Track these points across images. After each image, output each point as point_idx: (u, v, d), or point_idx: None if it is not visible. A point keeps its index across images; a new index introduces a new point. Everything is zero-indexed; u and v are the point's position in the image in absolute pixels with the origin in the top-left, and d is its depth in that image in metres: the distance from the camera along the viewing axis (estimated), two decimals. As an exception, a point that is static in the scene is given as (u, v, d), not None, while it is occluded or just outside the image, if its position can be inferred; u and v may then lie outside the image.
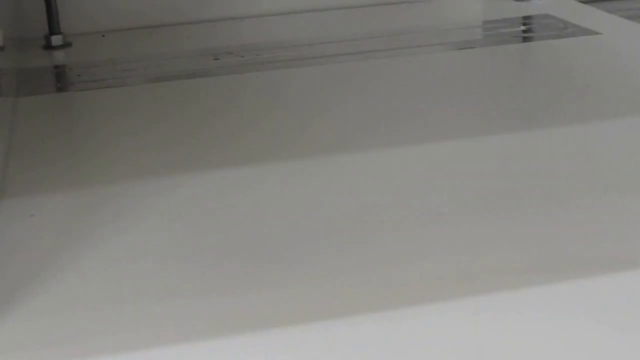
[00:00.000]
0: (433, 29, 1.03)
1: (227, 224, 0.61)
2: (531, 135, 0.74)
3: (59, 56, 1.00)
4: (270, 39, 1.01)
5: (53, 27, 1.02)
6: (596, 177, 0.66)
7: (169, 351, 0.49)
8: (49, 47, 1.01)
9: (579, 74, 0.87)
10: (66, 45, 1.02)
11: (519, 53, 0.96)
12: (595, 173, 0.66)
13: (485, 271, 0.54)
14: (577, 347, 0.53)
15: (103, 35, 1.04)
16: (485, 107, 0.80)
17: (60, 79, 0.94)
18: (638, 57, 0.90)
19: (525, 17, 1.07)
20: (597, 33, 0.97)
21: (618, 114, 0.76)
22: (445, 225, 0.59)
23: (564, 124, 0.75)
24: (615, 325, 0.53)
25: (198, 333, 0.50)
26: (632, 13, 1.18)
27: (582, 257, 0.55)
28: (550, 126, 0.75)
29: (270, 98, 0.84)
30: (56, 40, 1.02)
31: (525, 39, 1.00)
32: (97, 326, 0.51)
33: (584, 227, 0.59)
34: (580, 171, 0.67)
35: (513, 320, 0.52)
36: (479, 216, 0.60)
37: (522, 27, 1.03)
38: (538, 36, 1.00)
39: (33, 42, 1.02)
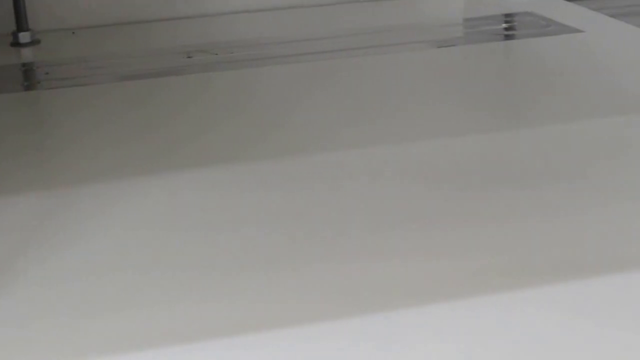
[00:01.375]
0: (414, 26, 1.01)
1: (191, 227, 0.58)
2: (511, 134, 0.72)
3: (27, 54, 0.97)
4: (245, 36, 0.99)
5: (21, 23, 0.99)
6: (576, 176, 0.64)
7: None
8: (16, 44, 0.99)
9: (559, 72, 0.85)
10: (34, 42, 0.99)
11: (500, 51, 0.93)
12: (575, 172, 0.64)
13: (461, 273, 0.52)
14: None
15: (73, 33, 1.02)
16: (465, 105, 0.78)
17: (28, 77, 0.91)
18: (620, 55, 0.89)
19: (507, 15, 1.04)
20: (579, 31, 0.95)
21: (597, 113, 0.74)
22: (423, 226, 0.57)
23: (543, 122, 0.73)
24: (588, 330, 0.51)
25: (151, 341, 0.47)
26: (617, 11, 1.16)
27: (562, 260, 0.53)
28: (531, 125, 0.73)
29: (243, 96, 0.82)
30: (24, 37, 0.99)
31: (507, 37, 0.98)
32: (48, 335, 0.48)
33: (565, 228, 0.57)
34: (561, 170, 0.65)
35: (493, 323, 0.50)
36: (457, 216, 0.58)
37: (504, 25, 1.01)
38: (520, 34, 0.98)
39: (0, 39, 1.00)
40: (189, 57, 0.92)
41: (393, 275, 0.52)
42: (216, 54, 0.92)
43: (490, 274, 0.52)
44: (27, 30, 0.99)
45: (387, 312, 0.49)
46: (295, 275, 0.53)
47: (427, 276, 0.52)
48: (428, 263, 0.53)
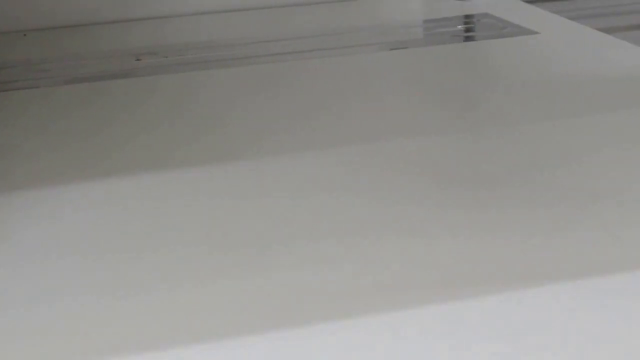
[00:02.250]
0: (370, 28, 1.00)
1: (120, 235, 0.57)
2: (457, 137, 0.71)
3: (-26, 56, 0.96)
4: (198, 38, 0.97)
5: (-31, 25, 0.98)
6: (527, 180, 0.63)
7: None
8: (-35, 46, 0.97)
9: (510, 74, 0.84)
10: (-17, 44, 0.98)
11: (453, 53, 0.92)
12: (527, 176, 0.64)
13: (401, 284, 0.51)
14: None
15: (24, 35, 1.00)
16: (410, 109, 0.77)
17: (-27, 81, 0.90)
18: (573, 56, 0.88)
19: (465, 17, 1.04)
20: (535, 33, 0.94)
21: (547, 116, 0.74)
22: (361, 235, 0.56)
23: (490, 125, 0.72)
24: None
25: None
26: (577, 14, 1.16)
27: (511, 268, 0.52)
28: (478, 128, 0.72)
29: (188, 100, 0.80)
30: (-27, 39, 0.97)
31: (462, 39, 0.97)
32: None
33: (518, 234, 0.56)
34: (511, 175, 0.64)
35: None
36: (402, 226, 0.57)
37: (460, 27, 1.00)
38: (475, 36, 0.98)
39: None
40: (138, 59, 0.91)
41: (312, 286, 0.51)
42: (166, 57, 0.91)
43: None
44: (-24, 32, 0.98)
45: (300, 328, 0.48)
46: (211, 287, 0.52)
47: (339, 289, 0.51)
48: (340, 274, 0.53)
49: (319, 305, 0.50)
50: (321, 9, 1.07)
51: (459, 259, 0.54)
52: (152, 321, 0.49)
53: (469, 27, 1.01)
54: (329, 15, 1.05)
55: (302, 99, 0.79)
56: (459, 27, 1.00)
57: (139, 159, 0.68)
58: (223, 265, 0.54)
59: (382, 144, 0.69)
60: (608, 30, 0.97)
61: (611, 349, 0.49)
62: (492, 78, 0.84)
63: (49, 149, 0.71)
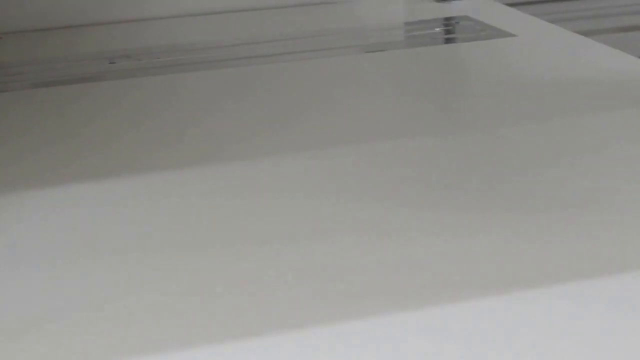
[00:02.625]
0: (349, 31, 0.99)
1: (89, 238, 0.57)
2: (433, 140, 0.70)
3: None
4: (172, 41, 0.97)
5: (-55, 28, 0.97)
6: (504, 183, 0.62)
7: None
8: (-60, 49, 0.97)
9: (486, 76, 0.83)
10: (-42, 47, 0.97)
11: (430, 56, 0.92)
12: (504, 179, 0.63)
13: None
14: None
15: (0, 38, 0.99)
16: (386, 111, 0.76)
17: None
18: (548, 58, 0.87)
19: (444, 19, 1.03)
20: (512, 35, 0.93)
21: (522, 118, 0.73)
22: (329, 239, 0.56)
23: (465, 128, 0.72)
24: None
25: None
26: (557, 16, 1.15)
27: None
28: (455, 131, 0.71)
29: (160, 103, 0.80)
30: (-52, 42, 0.97)
31: (442, 41, 0.96)
32: None
33: (492, 242, 0.55)
34: (489, 178, 0.63)
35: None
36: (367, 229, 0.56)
37: (437, 30, 0.99)
38: (453, 38, 0.97)
39: None
40: (111, 62, 0.90)
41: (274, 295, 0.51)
42: (140, 60, 0.90)
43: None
44: (-49, 35, 0.97)
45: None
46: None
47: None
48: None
49: (288, 313, 0.49)
50: (300, 11, 1.06)
51: (425, 263, 0.53)
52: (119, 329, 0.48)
53: (449, 30, 1.00)
54: (308, 18, 1.04)
55: (272, 103, 0.78)
56: (437, 29, 0.99)
57: (107, 164, 0.68)
58: (172, 266, 0.53)
59: (352, 147, 0.68)
60: (587, 33, 0.96)
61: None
62: (468, 81, 0.83)
63: (18, 153, 0.70)
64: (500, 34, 0.94)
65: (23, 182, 0.65)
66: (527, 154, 0.67)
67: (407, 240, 0.56)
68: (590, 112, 0.75)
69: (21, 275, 0.53)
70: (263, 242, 0.56)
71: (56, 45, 0.97)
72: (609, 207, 0.59)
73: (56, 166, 0.68)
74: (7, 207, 0.62)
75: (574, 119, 0.74)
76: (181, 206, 0.61)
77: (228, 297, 0.50)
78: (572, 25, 1.05)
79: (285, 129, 0.73)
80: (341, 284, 0.51)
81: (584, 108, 0.76)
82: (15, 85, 0.85)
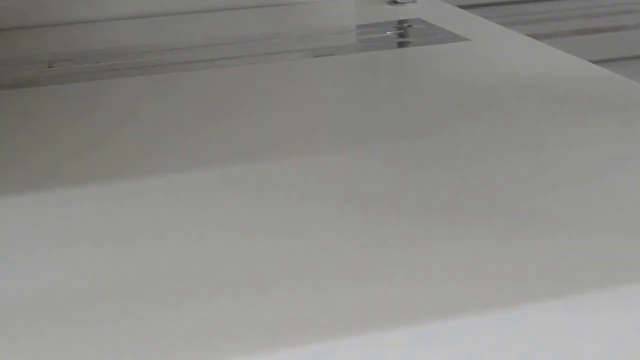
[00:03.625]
0: (298, 34, 0.96)
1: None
2: (380, 146, 0.68)
3: None
4: (115, 44, 0.93)
5: None
6: (460, 193, 0.61)
7: None
8: None
9: (436, 82, 0.81)
10: None
11: (380, 60, 0.89)
12: (458, 188, 0.62)
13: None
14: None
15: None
16: (323, 120, 0.74)
17: None
18: (502, 63, 0.85)
19: (397, 22, 1.01)
20: (466, 39, 0.91)
21: (473, 124, 0.72)
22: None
23: (413, 136, 0.70)
24: None
25: None
26: (513, 19, 1.14)
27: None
28: (395, 140, 0.70)
29: (90, 110, 0.77)
30: None
31: (393, 45, 0.94)
32: None
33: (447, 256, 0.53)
34: (440, 187, 0.62)
35: None
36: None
37: (390, 33, 0.97)
38: (406, 42, 0.95)
39: None
40: (50, 66, 0.86)
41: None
42: (79, 64, 0.87)
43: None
44: None
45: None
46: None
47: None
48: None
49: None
50: (249, 13, 1.03)
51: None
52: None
53: (401, 33, 0.98)
54: (256, 21, 1.01)
55: (195, 110, 0.76)
56: (390, 33, 0.97)
57: (34, 172, 0.65)
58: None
59: (283, 159, 0.66)
60: (540, 37, 0.94)
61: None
62: (420, 86, 0.81)
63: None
64: (454, 37, 0.92)
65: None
66: (475, 160, 0.66)
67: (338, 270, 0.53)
68: (546, 118, 0.73)
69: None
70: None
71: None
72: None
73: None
74: None
75: (529, 123, 0.72)
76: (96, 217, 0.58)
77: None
78: (526, 29, 1.03)
79: (202, 137, 0.71)
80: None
81: (539, 113, 0.74)
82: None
